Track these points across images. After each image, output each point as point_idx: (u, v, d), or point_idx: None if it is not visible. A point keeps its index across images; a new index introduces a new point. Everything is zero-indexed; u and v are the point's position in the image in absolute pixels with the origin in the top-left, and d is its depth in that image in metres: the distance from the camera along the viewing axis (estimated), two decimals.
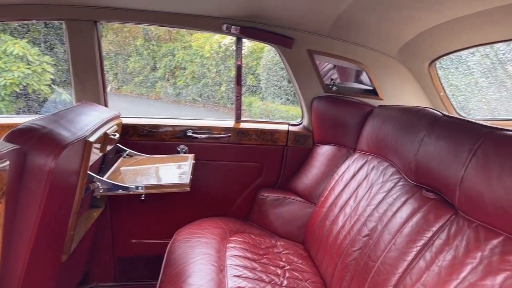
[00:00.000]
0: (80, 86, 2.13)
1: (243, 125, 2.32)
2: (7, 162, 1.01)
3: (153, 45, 6.74)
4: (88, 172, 1.51)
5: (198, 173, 2.27)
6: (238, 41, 2.25)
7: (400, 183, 1.61)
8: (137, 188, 1.58)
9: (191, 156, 2.01)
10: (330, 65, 2.35)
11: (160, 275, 1.67)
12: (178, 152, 2.24)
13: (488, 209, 1.13)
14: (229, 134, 2.27)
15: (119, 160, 1.97)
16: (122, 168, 1.89)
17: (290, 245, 2.09)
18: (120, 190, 1.57)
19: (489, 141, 1.19)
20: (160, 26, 2.25)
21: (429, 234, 1.29)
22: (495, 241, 1.08)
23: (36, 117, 1.34)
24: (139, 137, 2.20)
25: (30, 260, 1.21)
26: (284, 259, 1.92)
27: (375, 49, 2.12)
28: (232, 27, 2.09)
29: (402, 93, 2.21)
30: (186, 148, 2.25)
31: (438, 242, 1.24)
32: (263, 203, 2.27)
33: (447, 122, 1.44)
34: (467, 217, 1.21)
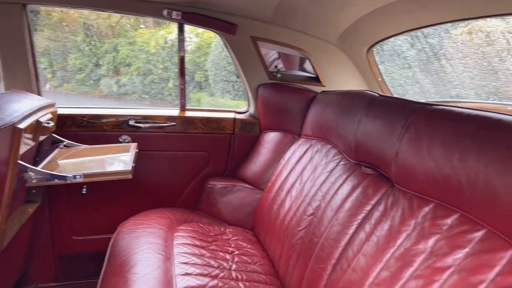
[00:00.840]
0: (10, 75, 1.98)
1: (188, 114, 2.28)
2: None
3: (95, 41, 6.45)
4: (19, 161, 1.40)
5: (143, 164, 2.20)
6: (180, 31, 2.21)
7: (342, 162, 1.66)
8: (74, 177, 1.49)
9: (133, 145, 1.94)
10: (276, 54, 2.37)
11: (104, 267, 1.61)
12: (121, 143, 2.16)
13: (420, 179, 1.20)
14: (174, 123, 2.23)
15: (55, 151, 1.85)
16: (59, 160, 1.78)
17: (239, 232, 2.09)
18: (56, 180, 1.48)
19: (419, 115, 1.26)
20: (95, 10, 2.14)
21: (368, 207, 1.35)
22: (426, 208, 1.15)
23: None
24: (78, 128, 2.09)
25: None
26: (233, 245, 1.92)
27: (316, 36, 2.18)
28: (173, 12, 2.04)
29: (343, 79, 2.29)
30: (129, 138, 2.17)
31: (376, 214, 1.30)
32: (211, 192, 2.26)
33: (382, 101, 1.51)
34: (402, 189, 1.28)
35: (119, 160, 1.75)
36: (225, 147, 2.34)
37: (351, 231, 1.35)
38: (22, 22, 1.93)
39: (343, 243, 1.35)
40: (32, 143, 1.55)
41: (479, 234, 0.98)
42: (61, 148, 1.91)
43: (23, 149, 1.42)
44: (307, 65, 2.37)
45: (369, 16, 1.79)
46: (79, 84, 6.42)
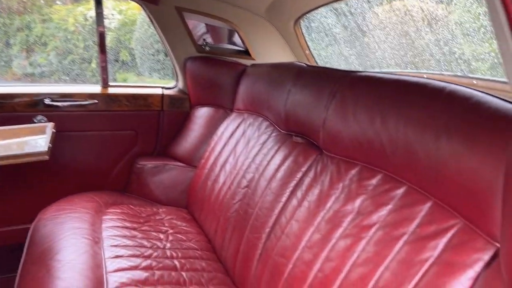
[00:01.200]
0: None
1: (111, 90, 2.13)
2: None
3: (3, 17, 5.79)
4: None
5: (63, 145, 2.03)
6: (98, 4, 2.05)
7: (273, 134, 1.67)
8: None
9: (50, 125, 1.77)
10: (204, 27, 2.30)
11: (23, 257, 1.47)
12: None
13: (346, 144, 1.24)
14: (96, 101, 2.07)
15: None
16: None
17: (173, 211, 2.04)
18: None
19: (344, 83, 1.30)
20: None
21: (299, 175, 1.37)
22: (353, 171, 1.20)
23: None
24: None
25: None
26: (167, 224, 1.87)
27: (244, 8, 2.14)
28: None
29: (272, 52, 2.28)
30: (45, 119, 1.98)
31: (307, 180, 1.33)
32: (141, 172, 2.16)
33: (310, 71, 1.53)
34: (330, 155, 1.32)
35: (33, 141, 1.59)
36: (153, 125, 2.24)
37: (284, 199, 1.37)
38: None
39: (276, 211, 1.37)
40: None
41: (400, 191, 1.04)
42: None
43: None
44: (237, 38, 2.33)
45: None
46: None
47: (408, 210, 0.99)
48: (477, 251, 0.80)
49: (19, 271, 1.40)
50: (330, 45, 2.22)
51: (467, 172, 0.85)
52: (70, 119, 2.04)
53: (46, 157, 1.43)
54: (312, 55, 2.25)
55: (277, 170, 1.47)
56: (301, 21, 2.09)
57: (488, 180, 0.78)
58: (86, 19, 5.83)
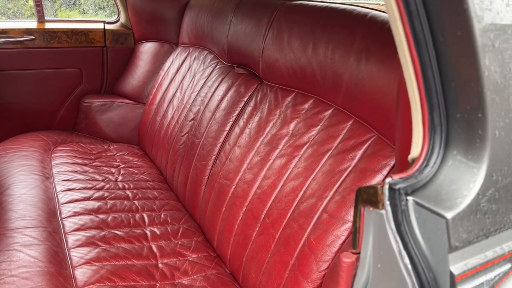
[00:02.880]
0: None
1: (49, 26, 2.03)
2: None
3: None
4: None
5: (3, 85, 1.96)
6: None
7: (218, 66, 1.71)
8: None
9: None
10: None
11: None
12: None
13: (283, 72, 1.31)
14: (33, 37, 1.97)
15: None
16: None
17: (125, 147, 2.08)
18: None
19: (281, 12, 1.34)
20: None
21: (241, 104, 1.45)
22: (289, 98, 1.29)
23: None
24: None
25: None
26: (118, 160, 1.92)
27: None
28: None
29: None
30: None
31: (248, 109, 1.41)
32: (88, 111, 2.14)
33: (249, 1, 1.54)
34: (269, 84, 1.39)
35: None
36: (98, 62, 2.18)
37: (227, 128, 1.45)
38: None
39: (221, 139, 1.45)
40: None
41: (328, 113, 1.15)
42: None
43: None
44: None
45: None
46: None
47: (333, 128, 1.10)
48: (385, 158, 0.93)
49: None
50: None
51: (379, 90, 0.96)
52: (7, 57, 1.95)
53: None
54: None
55: (220, 101, 1.53)
56: None
57: (394, 96, 0.89)
58: None
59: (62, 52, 2.07)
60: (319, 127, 1.14)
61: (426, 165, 0.54)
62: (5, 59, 1.95)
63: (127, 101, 2.17)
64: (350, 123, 1.07)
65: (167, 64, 2.07)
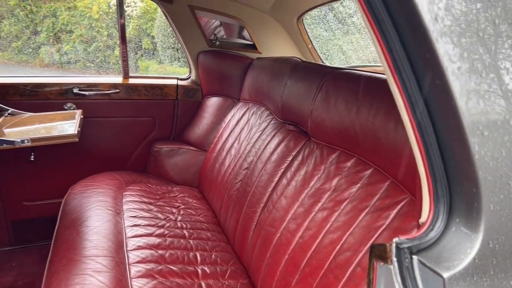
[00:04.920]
0: None
1: (131, 81, 2.38)
2: None
3: (30, 5, 6.09)
4: None
5: (89, 130, 2.30)
6: None
7: (272, 122, 1.88)
8: (22, 141, 1.58)
9: (79, 111, 2.03)
10: (215, 23, 2.50)
11: (57, 224, 1.74)
12: (66, 110, 2.23)
13: (329, 131, 1.44)
14: (118, 90, 2.32)
15: (0, 119, 1.91)
16: (5, 128, 1.84)
17: (186, 190, 2.28)
18: (4, 145, 1.56)
19: (330, 78, 1.49)
20: None
21: (290, 158, 1.58)
22: (333, 155, 1.40)
23: None
24: (21, 97, 2.14)
25: None
26: (179, 201, 2.11)
27: (251, 6, 2.33)
28: None
29: (277, 46, 2.47)
30: (74, 106, 2.24)
31: (296, 163, 1.54)
32: (158, 155, 2.41)
33: (304, 66, 1.72)
34: (316, 141, 1.52)
35: (65, 125, 1.85)
36: (169, 113, 2.47)
37: (276, 179, 1.58)
38: None
39: (269, 189, 1.58)
40: None
41: (367, 172, 1.24)
42: (6, 116, 1.96)
43: None
44: (244, 34, 2.53)
45: None
46: (16, 53, 6.09)
47: (371, 187, 1.19)
48: (416, 219, 1.00)
49: (54, 236, 1.67)
50: (329, 39, 2.39)
51: (414, 156, 1.04)
52: (95, 107, 2.30)
53: (76, 139, 1.68)
54: (314, 49, 2.42)
55: (272, 153, 1.68)
56: (304, 18, 2.26)
57: None
58: (109, 7, 6.08)
59: (140, 104, 2.39)
60: (359, 184, 1.23)
61: (431, 230, 0.63)
62: (94, 108, 2.29)
63: (192, 148, 2.41)
64: (387, 183, 1.15)
65: (229, 116, 2.29)
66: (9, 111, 1.98)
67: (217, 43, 2.44)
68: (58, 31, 6.15)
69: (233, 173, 1.91)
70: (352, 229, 1.15)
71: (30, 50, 6.09)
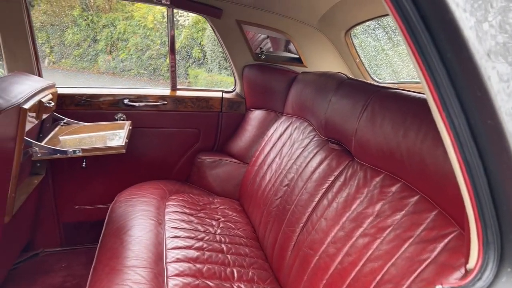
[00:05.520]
0: (11, 56, 2.13)
1: (179, 93, 2.44)
2: None
3: (91, 15, 6.48)
4: (25, 138, 1.58)
5: (137, 140, 2.39)
6: (170, 10, 2.33)
7: (315, 138, 1.84)
8: (74, 151, 1.67)
9: (128, 123, 2.12)
10: (261, 36, 2.51)
11: (103, 231, 1.81)
12: (116, 120, 2.33)
13: (373, 153, 1.38)
14: (166, 102, 2.39)
15: (57, 128, 2.03)
16: (60, 136, 1.96)
17: (226, 201, 2.30)
18: (58, 154, 1.66)
19: (376, 97, 1.43)
20: None
21: (331, 178, 1.54)
22: (377, 179, 1.34)
23: None
24: (77, 107, 2.26)
25: None
26: (219, 213, 2.13)
27: (297, 19, 2.31)
28: None
29: (323, 60, 2.43)
30: (124, 116, 2.34)
31: (338, 184, 1.49)
32: (201, 166, 2.45)
33: (349, 83, 1.67)
34: (360, 162, 1.46)
35: (114, 136, 1.93)
36: (213, 124, 2.51)
37: (316, 199, 1.54)
38: (21, 5, 2.07)
39: (309, 209, 1.55)
40: (35, 121, 1.73)
41: (413, 199, 1.17)
42: (62, 125, 2.09)
43: (28, 126, 1.59)
44: (292, 46, 2.51)
45: (346, 1, 1.93)
46: (77, 60, 6.50)
47: (417, 216, 1.12)
48: (465, 255, 0.92)
49: (99, 241, 1.74)
50: (377, 52, 2.31)
51: None
52: (144, 117, 2.39)
53: (123, 151, 1.75)
54: (362, 63, 2.35)
55: (313, 172, 1.64)
56: (352, 32, 2.21)
57: None
58: (163, 17, 6.32)
59: (186, 115, 2.45)
60: (403, 212, 1.17)
61: (479, 279, 0.58)
62: (142, 119, 2.38)
63: (234, 160, 2.43)
64: (434, 213, 1.08)
65: (271, 130, 2.28)
66: (64, 121, 2.11)
67: (263, 56, 2.45)
68: (115, 39, 6.49)
69: (273, 189, 1.90)
70: (395, 260, 1.09)
71: (89, 57, 6.48)
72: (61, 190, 2.34)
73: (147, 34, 6.45)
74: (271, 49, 2.53)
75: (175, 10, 2.32)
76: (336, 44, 2.37)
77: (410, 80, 2.36)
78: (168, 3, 2.19)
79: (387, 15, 1.86)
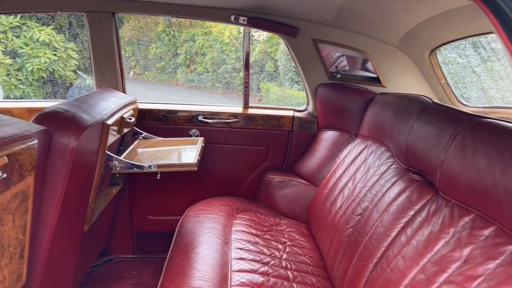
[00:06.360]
0: (100, 74, 2.30)
1: (250, 111, 2.45)
2: (36, 141, 1.18)
3: (173, 31, 6.88)
4: (107, 151, 1.68)
5: (208, 155, 2.43)
6: (247, 29, 2.36)
7: (393, 166, 1.71)
8: (150, 166, 1.74)
9: (200, 139, 2.16)
10: (336, 54, 2.43)
11: (171, 245, 1.85)
12: (190, 136, 2.40)
13: (463, 189, 1.23)
14: (237, 119, 2.41)
15: (136, 142, 2.14)
16: (138, 149, 2.06)
17: (293, 224, 2.23)
18: (135, 168, 1.74)
19: (467, 127, 1.29)
20: (172, 17, 2.39)
21: (411, 213, 1.40)
22: (466, 218, 1.19)
23: (60, 102, 1.51)
24: (155, 121, 2.37)
25: (57, 226, 1.39)
26: (286, 236, 2.07)
27: (377, 38, 2.20)
28: (240, 17, 2.20)
29: (404, 80, 2.28)
30: (198, 132, 2.40)
31: (418, 219, 1.36)
32: (269, 185, 2.42)
33: (434, 109, 1.53)
34: (445, 197, 1.32)
35: (187, 153, 1.98)
36: (283, 143, 2.48)
37: (393, 234, 1.42)
38: (111, 28, 2.23)
39: (385, 244, 1.43)
40: (117, 136, 1.83)
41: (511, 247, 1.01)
42: (140, 139, 2.19)
43: (110, 141, 1.69)
44: (369, 65, 2.40)
45: (430, 20, 1.79)
46: (158, 72, 6.93)
47: None
48: None
49: (168, 256, 1.77)
50: (466, 73, 2.11)
51: None
52: (216, 133, 2.43)
53: (195, 168, 1.78)
54: (448, 84, 2.16)
55: (390, 204, 1.52)
56: (437, 51, 2.05)
57: None
58: (239, 32, 6.51)
59: (256, 133, 2.44)
60: (498, 261, 1.02)
61: None
62: (214, 135, 2.42)
63: (302, 181, 2.36)
64: None
65: (344, 152, 2.18)
66: (143, 135, 2.21)
67: (338, 75, 2.36)
68: (194, 54, 6.81)
69: (345, 217, 1.79)
70: None
71: (170, 70, 6.88)
72: (136, 200, 2.45)
73: (223, 48, 6.67)
74: (346, 67, 2.44)
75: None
76: (419, 64, 2.21)
77: (506, 105, 2.12)
78: (245, 23, 2.21)
79: (481, 34, 1.69)
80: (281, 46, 6.30)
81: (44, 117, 1.36)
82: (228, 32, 6.57)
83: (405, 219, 1.41)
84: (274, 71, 6.37)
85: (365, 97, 2.22)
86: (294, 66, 6.16)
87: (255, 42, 6.36)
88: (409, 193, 1.47)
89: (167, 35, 6.86)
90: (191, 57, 6.82)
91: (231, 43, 6.63)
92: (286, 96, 6.26)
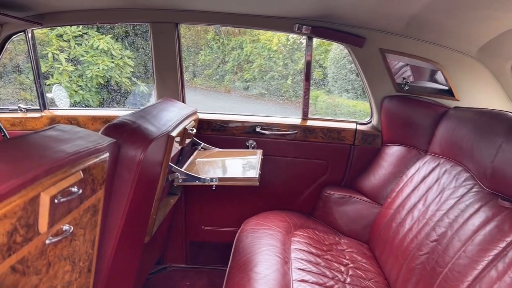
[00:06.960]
0: (161, 83, 2.32)
1: (310, 123, 2.36)
2: (107, 154, 1.17)
3: (222, 38, 6.96)
4: (169, 163, 1.66)
5: (264, 167, 2.37)
6: (309, 38, 2.28)
7: (474, 189, 1.55)
8: (211, 180, 1.70)
9: (259, 152, 2.10)
10: (404, 65, 2.29)
11: (230, 262, 1.80)
12: (247, 147, 2.35)
13: None
14: (296, 131, 2.33)
15: (195, 153, 2.12)
16: (197, 160, 2.03)
17: (354, 244, 2.11)
18: (197, 181, 1.71)
19: None
20: (234, 27, 2.35)
21: (502, 244, 1.25)
22: None
23: (126, 113, 1.51)
24: (212, 132, 2.35)
25: (120, 239, 1.38)
26: (347, 257, 1.95)
27: (452, 48, 2.03)
28: (303, 27, 2.12)
29: (480, 94, 2.09)
30: (255, 143, 2.35)
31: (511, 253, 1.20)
32: (327, 200, 2.31)
33: None
34: None
35: (247, 166, 1.92)
36: (344, 157, 2.36)
37: (480, 267, 1.27)
38: (174, 38, 2.24)
39: (470, 278, 1.28)
40: (179, 147, 1.81)
41: None
42: (199, 150, 2.17)
43: (172, 152, 1.67)
44: (438, 76, 2.24)
45: None
46: (207, 79, 7.03)
47: None
48: None
49: (226, 273, 1.72)
50: None
51: None
52: (272, 145, 2.36)
53: (257, 183, 1.72)
54: None
55: (475, 232, 1.37)
56: None
57: None
58: (287, 40, 6.45)
59: (315, 146, 2.35)
60: None
61: None
62: (271, 146, 2.36)
63: (364, 198, 2.23)
64: None
65: (412, 170, 2.03)
66: (201, 145, 2.19)
67: (406, 87, 2.22)
68: (242, 61, 6.85)
69: (416, 241, 1.65)
70: None
71: (218, 77, 6.96)
72: (191, 210, 2.44)
73: (271, 56, 6.65)
74: (410, 78, 2.28)
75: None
76: (498, 76, 2.02)
77: None
78: (309, 32, 2.14)
79: None
80: (330, 53, 6.16)
81: (113, 129, 1.35)
82: (277, 39, 6.53)
83: (495, 252, 1.26)
84: (323, 78, 6.24)
85: (436, 111, 2.06)
86: (344, 74, 6.01)
87: (302, 48, 6.27)
88: (499, 222, 1.32)
89: (216, 43, 6.95)
90: (238, 64, 6.86)
91: (279, 51, 6.58)
92: (335, 104, 6.11)
